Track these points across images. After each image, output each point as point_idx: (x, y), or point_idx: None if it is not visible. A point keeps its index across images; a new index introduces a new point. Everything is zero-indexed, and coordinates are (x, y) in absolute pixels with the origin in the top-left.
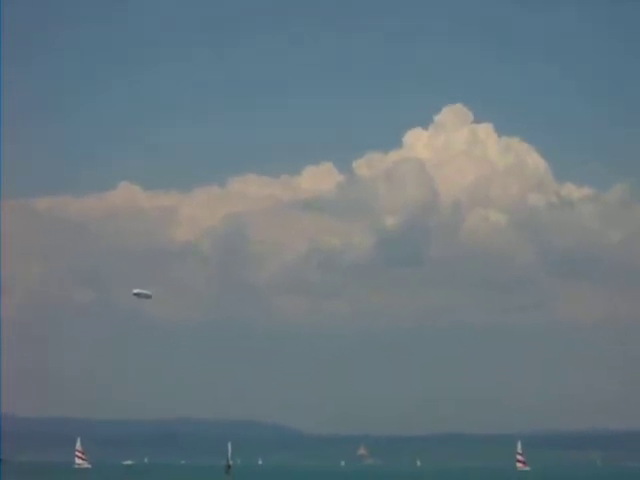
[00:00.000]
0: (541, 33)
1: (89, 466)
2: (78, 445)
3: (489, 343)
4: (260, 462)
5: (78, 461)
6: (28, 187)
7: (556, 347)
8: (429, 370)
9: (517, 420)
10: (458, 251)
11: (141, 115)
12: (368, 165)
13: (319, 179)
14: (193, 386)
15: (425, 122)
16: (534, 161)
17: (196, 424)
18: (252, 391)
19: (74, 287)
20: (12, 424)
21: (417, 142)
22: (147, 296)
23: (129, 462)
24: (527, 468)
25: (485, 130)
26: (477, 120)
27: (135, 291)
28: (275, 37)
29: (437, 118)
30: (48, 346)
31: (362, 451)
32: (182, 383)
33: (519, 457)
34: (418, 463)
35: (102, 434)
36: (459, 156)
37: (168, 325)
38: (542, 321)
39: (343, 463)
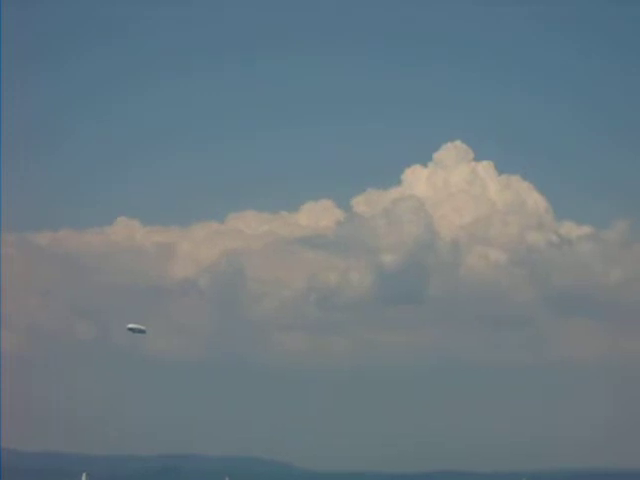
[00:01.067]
0: (544, 70)
1: None
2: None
3: (489, 380)
4: None
5: None
6: (29, 221)
7: (556, 385)
8: (429, 407)
9: (519, 458)
10: (457, 289)
11: (138, 148)
12: (367, 202)
13: (318, 216)
14: (194, 422)
15: (424, 159)
16: (534, 199)
17: (198, 460)
18: (253, 427)
19: (73, 322)
20: (11, 459)
21: (416, 180)
22: (141, 331)
23: None
24: None
25: (485, 168)
26: (477, 158)
27: (129, 326)
28: (276, 68)
29: (436, 155)
30: (46, 381)
31: None
32: (183, 419)
33: None
34: None
35: (102, 470)
36: (458, 194)
37: (167, 361)
38: (542, 359)
39: None
